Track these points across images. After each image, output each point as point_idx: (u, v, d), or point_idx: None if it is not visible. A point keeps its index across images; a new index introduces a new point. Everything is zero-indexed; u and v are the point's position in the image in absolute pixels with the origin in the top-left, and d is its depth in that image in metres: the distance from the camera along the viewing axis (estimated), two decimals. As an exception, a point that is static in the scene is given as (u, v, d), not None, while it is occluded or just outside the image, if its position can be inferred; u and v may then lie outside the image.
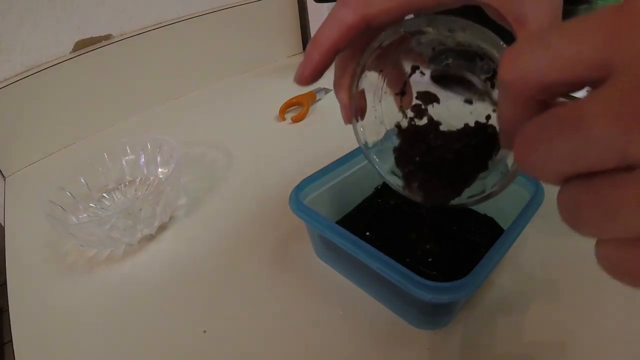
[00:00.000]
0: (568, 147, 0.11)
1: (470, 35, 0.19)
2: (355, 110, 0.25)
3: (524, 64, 0.12)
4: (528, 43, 0.12)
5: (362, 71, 0.23)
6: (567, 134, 0.11)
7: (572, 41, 0.11)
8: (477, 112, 0.25)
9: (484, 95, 0.24)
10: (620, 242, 0.11)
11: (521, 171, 0.13)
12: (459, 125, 0.25)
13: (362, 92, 0.25)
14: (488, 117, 0.24)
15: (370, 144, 0.27)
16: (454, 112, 0.26)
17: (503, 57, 0.13)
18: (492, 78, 0.23)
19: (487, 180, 0.24)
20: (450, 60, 0.24)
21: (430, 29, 0.21)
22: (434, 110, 0.26)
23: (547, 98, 0.13)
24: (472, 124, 0.24)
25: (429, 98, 0.26)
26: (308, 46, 0.22)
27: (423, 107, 0.26)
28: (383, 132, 0.27)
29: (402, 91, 0.26)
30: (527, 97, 0.13)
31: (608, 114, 0.10)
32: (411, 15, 0.21)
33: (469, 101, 0.25)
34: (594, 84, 0.11)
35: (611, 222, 0.11)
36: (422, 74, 0.26)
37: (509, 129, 0.15)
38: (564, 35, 0.11)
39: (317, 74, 0.23)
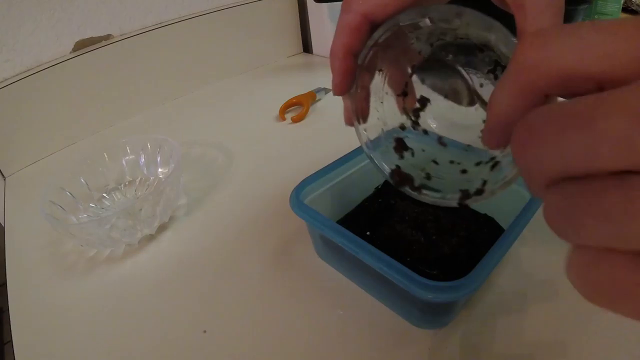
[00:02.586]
0: (581, 140, 0.10)
1: (467, 22, 0.19)
2: (356, 112, 0.25)
3: (553, 47, 0.11)
4: (559, 30, 0.12)
5: (360, 71, 0.23)
6: (583, 126, 0.10)
7: (608, 35, 0.11)
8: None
9: (470, 94, 0.24)
10: (609, 255, 0.10)
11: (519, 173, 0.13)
12: (465, 121, 0.24)
13: (366, 94, 0.25)
14: None
15: (373, 146, 0.27)
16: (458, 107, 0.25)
17: (526, 38, 0.12)
18: (494, 70, 0.22)
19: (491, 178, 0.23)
20: (450, 57, 0.24)
21: (425, 21, 0.21)
22: (438, 106, 0.26)
23: (554, 94, 0.12)
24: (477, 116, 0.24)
25: (422, 102, 0.26)
26: (329, 59, 0.23)
27: (421, 109, 0.26)
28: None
29: (403, 92, 0.26)
30: (537, 88, 0.12)
31: (633, 109, 0.09)
32: None
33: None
34: (614, 85, 0.11)
35: (610, 225, 0.10)
36: None
37: (498, 124, 0.14)
38: (599, 30, 0.11)
39: (346, 79, 0.23)
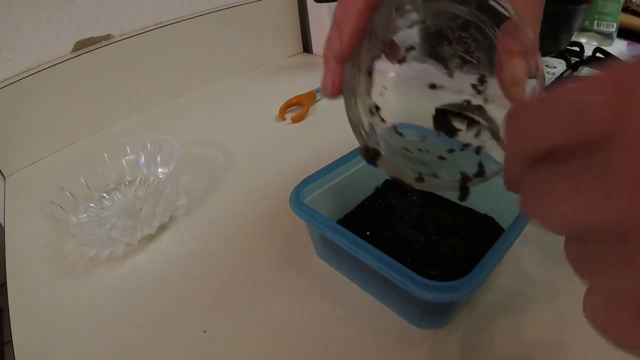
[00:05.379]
0: (579, 201, 0.12)
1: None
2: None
3: (534, 127, 0.13)
4: (538, 106, 0.13)
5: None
6: (576, 189, 0.12)
7: (581, 103, 0.11)
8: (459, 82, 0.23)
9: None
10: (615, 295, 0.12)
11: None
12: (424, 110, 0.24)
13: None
14: (482, 78, 0.22)
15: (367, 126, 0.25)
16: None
17: (510, 119, 0.14)
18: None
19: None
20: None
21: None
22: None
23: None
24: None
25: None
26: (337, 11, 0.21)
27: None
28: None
29: (369, 71, 0.24)
30: (528, 155, 0.14)
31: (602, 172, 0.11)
32: None
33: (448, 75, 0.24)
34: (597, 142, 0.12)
35: (614, 271, 0.12)
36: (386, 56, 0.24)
37: (512, 179, 0.16)
38: (573, 98, 0.12)
39: (355, 40, 0.21)
